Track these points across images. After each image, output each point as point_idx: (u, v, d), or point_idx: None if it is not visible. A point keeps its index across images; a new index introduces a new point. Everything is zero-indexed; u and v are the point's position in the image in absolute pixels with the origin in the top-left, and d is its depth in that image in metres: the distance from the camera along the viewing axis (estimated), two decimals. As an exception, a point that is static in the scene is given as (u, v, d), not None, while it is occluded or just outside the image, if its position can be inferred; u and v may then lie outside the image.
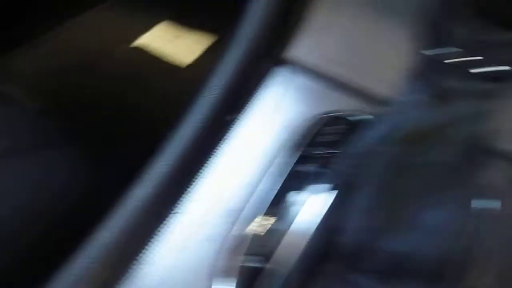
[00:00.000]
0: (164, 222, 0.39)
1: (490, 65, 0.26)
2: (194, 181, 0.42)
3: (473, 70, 0.26)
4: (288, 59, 0.49)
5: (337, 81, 0.45)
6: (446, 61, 0.28)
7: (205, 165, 0.43)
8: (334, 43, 0.47)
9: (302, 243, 0.33)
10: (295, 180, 0.39)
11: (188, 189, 0.41)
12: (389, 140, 0.30)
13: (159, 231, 0.39)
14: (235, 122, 0.46)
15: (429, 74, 0.29)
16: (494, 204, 0.34)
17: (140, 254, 0.37)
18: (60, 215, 0.60)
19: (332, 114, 0.42)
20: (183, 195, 0.41)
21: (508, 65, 0.26)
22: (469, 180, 0.30)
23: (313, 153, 0.40)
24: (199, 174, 0.42)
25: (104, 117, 1.00)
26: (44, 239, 0.55)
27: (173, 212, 0.39)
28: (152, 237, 0.38)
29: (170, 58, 1.20)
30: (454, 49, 0.27)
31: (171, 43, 1.26)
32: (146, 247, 0.38)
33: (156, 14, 1.27)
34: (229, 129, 0.45)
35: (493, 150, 0.30)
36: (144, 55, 1.22)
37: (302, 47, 0.48)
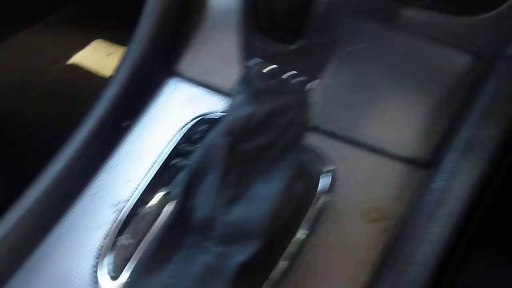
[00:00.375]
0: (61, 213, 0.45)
1: (283, 71, 0.35)
2: (91, 178, 0.49)
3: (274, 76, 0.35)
4: (175, 70, 0.56)
5: (214, 87, 0.53)
6: (256, 69, 0.36)
7: (101, 165, 0.50)
8: (211, 56, 0.55)
9: (163, 221, 0.41)
10: (170, 172, 0.47)
11: (86, 185, 0.48)
12: (226, 132, 0.38)
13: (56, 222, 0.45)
14: (129, 127, 0.53)
15: (248, 79, 0.37)
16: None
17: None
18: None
19: (205, 116, 0.50)
20: (80, 191, 0.47)
21: (295, 70, 0.35)
22: (290, 157, 0.39)
23: (187, 149, 0.48)
24: (95, 172, 0.49)
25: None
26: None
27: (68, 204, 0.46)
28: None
29: (103, 75, 1.24)
30: (258, 60, 0.36)
31: (105, 60, 1.30)
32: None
33: (88, 34, 1.30)
34: (124, 133, 0.52)
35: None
36: (79, 72, 1.26)
37: (187, 60, 0.56)
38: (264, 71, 0.35)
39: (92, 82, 1.22)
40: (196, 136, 0.48)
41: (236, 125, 0.37)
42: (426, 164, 0.47)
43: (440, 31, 0.48)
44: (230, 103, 0.39)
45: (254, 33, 0.34)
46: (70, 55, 1.25)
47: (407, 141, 0.48)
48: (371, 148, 0.48)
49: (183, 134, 0.50)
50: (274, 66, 0.35)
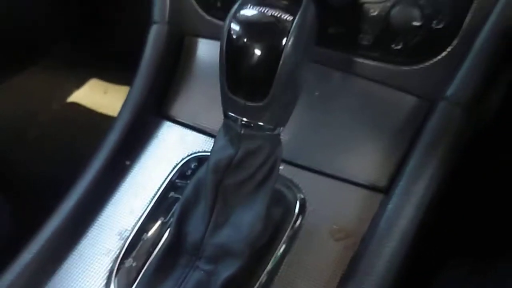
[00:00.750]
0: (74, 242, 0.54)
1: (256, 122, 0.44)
2: (99, 211, 0.57)
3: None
4: (168, 115, 0.65)
5: (202, 129, 0.62)
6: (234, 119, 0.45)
7: (107, 199, 0.58)
8: (199, 102, 0.64)
9: (163, 246, 0.49)
10: (167, 203, 0.55)
11: (95, 217, 0.56)
12: (212, 170, 0.46)
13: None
14: (131, 165, 0.61)
15: (228, 126, 0.46)
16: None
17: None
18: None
19: (195, 155, 0.59)
20: (90, 222, 0.56)
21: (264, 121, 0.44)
22: (266, 189, 0.47)
23: (181, 184, 0.56)
24: (102, 205, 0.57)
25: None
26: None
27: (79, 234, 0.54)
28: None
29: (101, 112, 1.31)
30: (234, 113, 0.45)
31: (101, 98, 1.37)
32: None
33: (84, 73, 1.37)
34: (126, 171, 0.61)
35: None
36: (76, 111, 1.33)
37: (178, 106, 0.65)
38: (242, 122, 0.44)
39: (90, 120, 1.29)
40: (189, 172, 0.57)
41: (220, 165, 0.46)
42: (383, 189, 0.56)
43: (389, 78, 0.57)
44: (214, 145, 0.47)
45: (229, 90, 0.43)
46: (67, 95, 1.33)
47: (366, 170, 0.57)
48: (336, 177, 0.57)
49: (177, 171, 0.58)
50: (247, 118, 0.44)
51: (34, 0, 1.21)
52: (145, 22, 0.69)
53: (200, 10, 0.64)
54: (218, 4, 0.61)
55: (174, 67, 0.67)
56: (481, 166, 0.87)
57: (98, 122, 1.23)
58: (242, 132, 0.44)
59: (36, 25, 1.25)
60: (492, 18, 0.53)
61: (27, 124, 1.22)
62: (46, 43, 1.31)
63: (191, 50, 0.67)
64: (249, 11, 0.41)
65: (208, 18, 0.63)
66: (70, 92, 1.33)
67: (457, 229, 0.81)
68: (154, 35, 0.66)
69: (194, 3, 0.64)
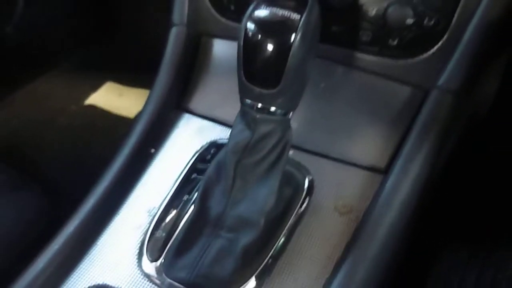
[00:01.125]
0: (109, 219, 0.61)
1: (269, 107, 0.51)
2: (130, 191, 0.64)
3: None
4: (187, 108, 0.72)
5: (218, 120, 0.69)
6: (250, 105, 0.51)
7: (136, 182, 0.65)
8: (215, 96, 0.71)
9: (189, 219, 0.56)
10: (190, 184, 0.62)
11: (126, 196, 0.63)
12: (231, 152, 0.53)
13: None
14: (155, 153, 0.68)
15: (245, 112, 0.53)
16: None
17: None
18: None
19: (215, 142, 0.66)
20: (122, 201, 0.62)
21: (277, 106, 0.50)
22: (277, 169, 0.53)
23: (202, 167, 0.63)
24: (133, 186, 0.64)
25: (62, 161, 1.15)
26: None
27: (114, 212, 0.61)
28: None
29: (117, 114, 1.38)
30: (250, 99, 0.51)
31: (117, 101, 1.43)
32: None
33: (100, 77, 1.42)
34: (152, 158, 0.68)
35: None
36: (94, 112, 1.39)
37: (196, 99, 0.72)
38: (257, 107, 0.51)
39: (107, 122, 1.35)
40: (209, 157, 0.64)
41: (238, 146, 0.52)
42: (383, 170, 0.62)
43: (387, 70, 0.64)
44: (232, 130, 0.54)
45: (246, 80, 0.50)
46: (84, 98, 1.39)
47: (367, 153, 0.63)
48: (341, 160, 0.64)
49: (198, 156, 0.65)
50: (261, 104, 0.50)
51: (51, 7, 1.29)
52: (158, 27, 0.77)
53: (216, 13, 0.71)
54: (232, 8, 0.68)
55: (193, 65, 0.74)
56: (477, 155, 0.92)
57: (114, 124, 1.29)
58: (258, 116, 0.51)
59: (53, 31, 1.33)
60: (478, 14, 0.59)
61: (46, 126, 1.28)
62: (63, 48, 1.39)
63: (208, 49, 0.74)
64: (262, 12, 0.48)
65: (223, 20, 0.70)
66: (87, 95, 1.39)
67: (456, 213, 0.86)
68: (174, 36, 0.73)
69: (211, 7, 0.71)
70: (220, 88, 0.71)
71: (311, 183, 0.61)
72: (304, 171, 0.62)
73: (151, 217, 0.60)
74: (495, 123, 0.92)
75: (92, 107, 1.37)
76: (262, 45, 0.47)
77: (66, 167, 1.15)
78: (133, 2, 1.41)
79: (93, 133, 1.30)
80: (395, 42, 0.62)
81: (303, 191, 0.60)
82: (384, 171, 0.62)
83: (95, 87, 1.42)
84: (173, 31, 0.73)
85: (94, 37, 1.46)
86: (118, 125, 1.27)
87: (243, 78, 0.50)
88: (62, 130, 1.29)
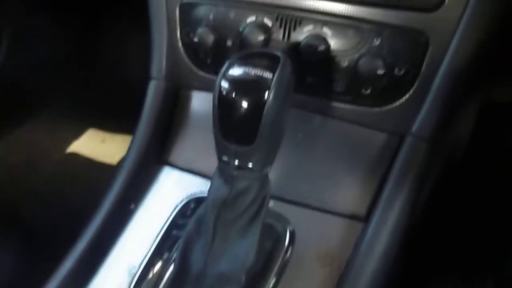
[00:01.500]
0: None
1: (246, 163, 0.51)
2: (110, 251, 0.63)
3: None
4: (167, 160, 0.72)
5: (198, 172, 0.69)
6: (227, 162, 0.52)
7: (116, 240, 0.64)
8: (195, 148, 0.71)
9: (169, 278, 0.55)
10: (171, 241, 0.61)
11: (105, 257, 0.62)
12: (211, 208, 0.53)
13: None
14: (135, 208, 0.68)
15: (222, 169, 0.53)
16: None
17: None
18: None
19: (194, 196, 0.66)
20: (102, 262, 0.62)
21: (254, 162, 0.51)
22: (257, 223, 0.53)
23: (182, 223, 0.63)
24: (112, 245, 0.63)
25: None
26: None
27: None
28: None
29: (99, 161, 1.37)
30: (227, 156, 0.52)
31: (99, 147, 1.42)
32: None
33: (82, 124, 1.42)
34: (132, 214, 0.67)
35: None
36: (76, 159, 1.38)
37: (176, 152, 0.73)
38: (234, 164, 0.51)
39: (89, 169, 1.34)
40: (189, 212, 0.63)
41: (217, 203, 0.52)
42: (363, 218, 0.63)
43: (362, 118, 0.65)
44: (210, 186, 0.54)
45: (221, 138, 0.51)
46: (67, 145, 1.38)
47: (347, 202, 0.64)
48: (321, 209, 0.64)
49: (178, 211, 0.65)
50: (239, 160, 0.51)
51: (34, 54, 1.29)
52: (140, 77, 0.78)
53: (193, 67, 0.72)
54: (209, 61, 0.70)
55: (172, 117, 0.75)
56: (456, 194, 0.94)
57: (96, 172, 1.29)
58: (235, 173, 0.51)
59: (36, 78, 1.32)
60: (445, 62, 0.61)
61: (28, 175, 1.27)
62: (46, 94, 1.38)
63: (187, 102, 0.75)
64: (235, 71, 0.49)
65: (201, 73, 0.72)
66: (69, 142, 1.39)
67: (438, 254, 0.87)
68: (153, 89, 0.74)
69: (188, 61, 0.72)
70: (199, 140, 0.72)
71: (292, 234, 0.61)
72: (285, 222, 0.62)
73: (131, 277, 0.59)
74: (471, 164, 0.93)
75: (75, 155, 1.37)
76: (236, 104, 0.48)
77: (47, 217, 1.13)
78: (116, 49, 1.43)
79: (75, 181, 1.29)
80: (368, 91, 0.63)
81: (284, 243, 0.60)
82: (365, 219, 0.62)
83: (77, 134, 1.41)
84: (151, 85, 0.74)
85: (77, 83, 1.46)
86: (100, 173, 1.26)
87: (219, 136, 0.51)
88: (44, 178, 1.28)
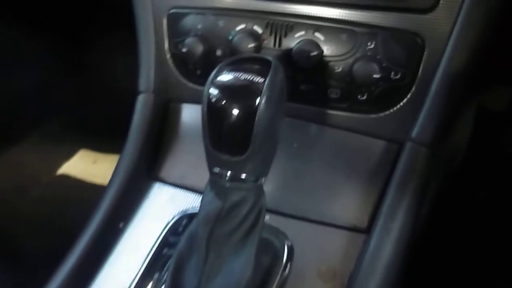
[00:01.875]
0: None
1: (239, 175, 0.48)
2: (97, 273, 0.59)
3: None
4: (158, 176, 0.69)
5: (190, 188, 0.66)
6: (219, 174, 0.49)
7: (104, 261, 0.61)
8: (186, 163, 0.68)
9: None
10: (161, 260, 0.58)
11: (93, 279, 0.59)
12: (203, 223, 0.50)
13: None
14: (125, 228, 0.64)
15: (213, 182, 0.50)
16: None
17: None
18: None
19: (186, 212, 0.63)
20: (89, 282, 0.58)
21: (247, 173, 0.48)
22: (253, 237, 0.50)
23: (174, 241, 0.59)
24: (100, 267, 0.60)
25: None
26: None
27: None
28: None
29: (91, 182, 1.34)
30: (219, 168, 0.49)
31: (91, 168, 1.40)
32: None
33: (73, 145, 1.40)
34: (121, 232, 0.64)
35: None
36: (67, 181, 1.35)
37: (166, 167, 0.70)
38: (226, 176, 0.48)
39: (81, 191, 1.31)
40: (180, 229, 0.60)
41: (209, 217, 0.49)
42: (364, 230, 0.60)
43: (359, 126, 0.63)
44: (202, 200, 0.51)
45: (212, 148, 0.48)
46: (57, 167, 1.35)
47: (347, 213, 0.61)
48: (320, 222, 0.61)
49: (169, 229, 0.61)
50: (231, 172, 0.48)
51: (23, 77, 1.28)
52: (130, 94, 0.75)
53: (182, 79, 0.70)
54: (198, 72, 0.67)
55: (161, 131, 0.72)
56: (459, 202, 0.91)
57: (87, 194, 1.25)
58: (227, 185, 0.48)
59: (26, 100, 1.31)
60: (442, 64, 0.59)
61: (18, 198, 1.24)
62: (36, 118, 1.36)
63: (177, 115, 0.72)
64: (225, 77, 0.47)
65: (190, 85, 0.69)
66: (60, 164, 1.36)
67: (443, 260, 0.84)
68: (141, 104, 0.71)
69: (177, 72, 0.70)
70: (190, 154, 0.69)
71: (290, 249, 0.58)
72: (282, 237, 0.59)
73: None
74: (472, 167, 0.91)
75: (66, 176, 1.34)
76: (226, 111, 0.46)
77: (37, 240, 1.09)
78: (106, 67, 1.42)
79: (66, 204, 1.26)
80: (364, 97, 0.61)
81: (282, 258, 0.57)
82: (366, 230, 0.59)
83: (69, 155, 1.39)
84: (140, 99, 0.72)
85: (67, 105, 1.44)
86: (92, 194, 1.24)
87: (210, 146, 0.48)
88: (34, 201, 1.25)
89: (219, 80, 0.47)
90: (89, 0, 1.26)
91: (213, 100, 0.46)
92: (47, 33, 1.27)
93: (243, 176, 0.48)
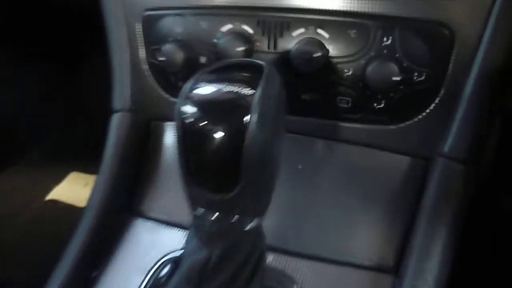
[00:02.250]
0: None
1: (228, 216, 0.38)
2: None
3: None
4: (138, 211, 0.59)
5: (174, 223, 0.55)
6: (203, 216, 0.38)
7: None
8: (169, 196, 0.58)
9: None
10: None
11: None
12: (185, 280, 0.39)
13: None
14: (98, 278, 0.53)
15: (197, 225, 0.39)
16: None
17: None
18: None
19: (169, 257, 0.51)
20: None
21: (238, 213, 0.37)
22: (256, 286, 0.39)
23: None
24: None
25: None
26: None
27: None
28: None
29: (81, 206, 1.27)
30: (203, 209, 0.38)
31: (82, 191, 1.33)
32: None
33: (64, 167, 1.35)
34: (93, 284, 0.53)
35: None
36: (57, 207, 1.29)
37: (148, 201, 0.59)
38: (212, 218, 0.37)
39: (70, 216, 1.24)
40: (163, 279, 0.49)
41: (194, 271, 0.38)
42: (391, 270, 0.48)
43: (376, 140, 0.52)
44: (185, 248, 0.40)
45: (190, 182, 0.37)
46: (48, 191, 1.30)
47: (368, 249, 0.50)
48: (335, 261, 0.50)
49: (150, 279, 0.50)
50: (217, 214, 0.37)
51: (13, 101, 1.24)
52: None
53: (163, 93, 0.59)
54: (180, 85, 0.56)
55: (142, 156, 0.61)
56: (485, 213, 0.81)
57: (78, 219, 1.21)
58: (213, 231, 0.37)
59: (15, 126, 1.26)
60: (477, 62, 0.48)
61: (8, 223, 1.19)
62: (26, 141, 1.32)
63: (159, 136, 0.62)
64: (203, 89, 0.36)
65: (172, 100, 0.59)
66: (51, 188, 1.32)
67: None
68: (116, 124, 0.61)
69: (156, 86, 0.59)
70: (177, 182, 0.58)
71: None
72: (289, 282, 0.48)
73: None
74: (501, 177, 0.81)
75: (55, 202, 1.29)
76: (206, 135, 0.35)
77: (26, 268, 1.02)
78: (93, 89, 1.37)
79: (56, 229, 1.19)
80: (382, 105, 0.51)
81: None
82: (393, 271, 0.48)
83: (59, 179, 1.36)
84: (114, 119, 0.61)
85: (56, 127, 1.40)
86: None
87: (188, 182, 0.37)
88: (24, 227, 1.21)
89: (196, 94, 0.36)
90: (73, 22, 1.21)
91: (189, 120, 0.35)
92: (31, 58, 1.22)
93: (233, 219, 0.37)
